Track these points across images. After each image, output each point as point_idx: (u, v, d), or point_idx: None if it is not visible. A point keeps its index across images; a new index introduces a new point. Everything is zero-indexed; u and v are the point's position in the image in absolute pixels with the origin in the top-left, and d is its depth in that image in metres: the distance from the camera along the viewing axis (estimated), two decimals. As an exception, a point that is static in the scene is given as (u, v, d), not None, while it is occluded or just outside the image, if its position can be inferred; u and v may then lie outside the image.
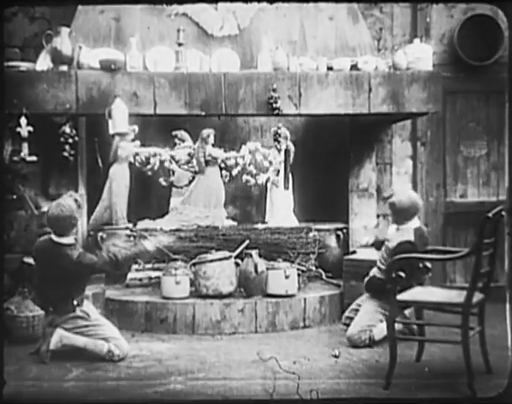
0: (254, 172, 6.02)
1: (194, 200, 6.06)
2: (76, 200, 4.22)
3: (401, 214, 4.44)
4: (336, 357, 4.16)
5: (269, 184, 6.17)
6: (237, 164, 6.04)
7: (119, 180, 5.95)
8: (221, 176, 6.09)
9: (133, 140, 6.03)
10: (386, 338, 4.14)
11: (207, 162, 6.02)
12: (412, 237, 4.35)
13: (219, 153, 6.04)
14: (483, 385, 3.54)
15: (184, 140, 6.25)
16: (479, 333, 3.79)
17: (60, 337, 4.16)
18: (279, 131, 5.69)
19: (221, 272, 5.04)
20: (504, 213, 3.63)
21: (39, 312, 4.69)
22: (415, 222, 4.46)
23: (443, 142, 6.25)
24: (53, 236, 4.19)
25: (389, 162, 6.19)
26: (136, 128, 5.92)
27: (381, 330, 4.39)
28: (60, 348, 4.16)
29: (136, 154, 6.01)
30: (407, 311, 4.38)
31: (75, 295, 4.19)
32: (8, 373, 3.58)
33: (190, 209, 5.99)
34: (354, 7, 5.76)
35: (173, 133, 6.26)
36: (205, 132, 6.00)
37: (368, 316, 4.48)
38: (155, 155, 6.06)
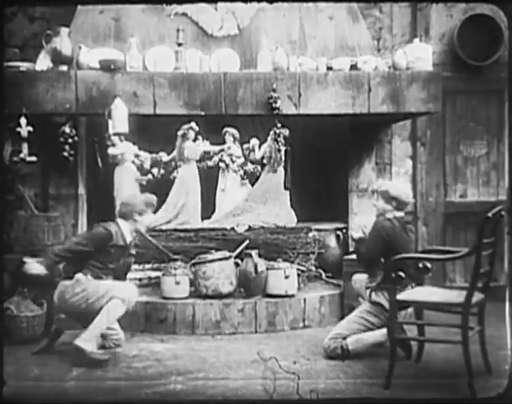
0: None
1: (265, 198, 6.06)
2: (147, 198, 4.47)
3: (393, 202, 4.20)
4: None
5: (225, 180, 6.20)
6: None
7: (190, 180, 5.98)
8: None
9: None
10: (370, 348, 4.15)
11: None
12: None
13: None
14: (483, 385, 3.54)
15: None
16: (479, 333, 3.78)
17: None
18: (277, 131, 5.68)
19: (220, 272, 5.04)
20: (503, 213, 3.63)
21: (39, 312, 4.70)
22: (399, 213, 4.24)
23: (443, 142, 6.25)
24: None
25: (389, 162, 6.19)
26: (195, 125, 5.94)
27: (356, 340, 4.14)
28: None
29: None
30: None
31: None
32: (7, 373, 3.58)
33: (258, 207, 6.00)
34: (353, 7, 5.76)
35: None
36: (285, 131, 6.01)
37: (342, 325, 4.26)
38: (220, 151, 6.14)
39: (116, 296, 4.13)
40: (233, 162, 6.26)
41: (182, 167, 6.08)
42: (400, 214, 4.24)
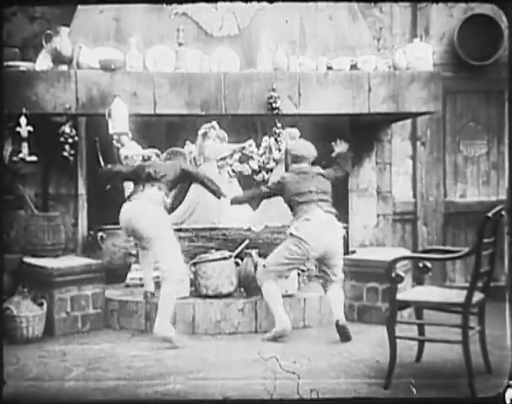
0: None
1: None
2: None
3: (288, 156, 5.03)
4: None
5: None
6: None
7: None
8: None
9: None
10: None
11: None
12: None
13: None
14: (483, 385, 3.54)
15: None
16: (479, 333, 3.78)
17: None
18: (277, 131, 5.67)
19: (220, 272, 5.04)
20: (503, 213, 3.63)
21: (38, 312, 4.70)
22: (297, 166, 4.91)
23: (443, 142, 6.25)
24: None
25: (389, 161, 6.18)
26: (216, 124, 5.93)
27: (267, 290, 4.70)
28: None
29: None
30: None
31: None
32: (7, 373, 3.58)
33: (278, 206, 6.01)
34: (353, 6, 5.76)
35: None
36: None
37: (270, 257, 4.76)
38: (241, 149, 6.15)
39: (176, 277, 4.60)
40: (253, 159, 6.23)
41: (202, 166, 6.05)
42: (297, 166, 4.91)
